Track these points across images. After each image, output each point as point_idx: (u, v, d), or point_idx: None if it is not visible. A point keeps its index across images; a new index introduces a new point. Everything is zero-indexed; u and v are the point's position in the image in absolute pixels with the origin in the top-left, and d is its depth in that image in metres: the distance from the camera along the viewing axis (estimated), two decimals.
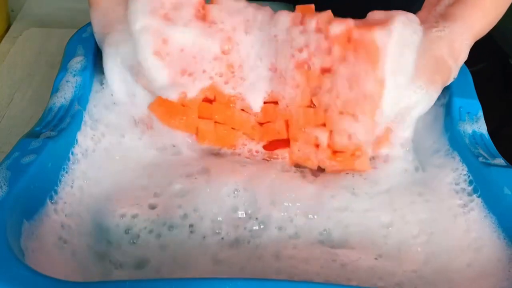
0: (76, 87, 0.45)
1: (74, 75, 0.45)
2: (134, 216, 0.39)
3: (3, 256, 0.31)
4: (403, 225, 0.40)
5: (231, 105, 0.44)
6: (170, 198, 0.40)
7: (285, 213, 0.40)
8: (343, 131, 0.41)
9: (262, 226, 0.39)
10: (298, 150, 0.43)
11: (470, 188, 0.42)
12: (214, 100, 0.44)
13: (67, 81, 0.45)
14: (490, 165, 0.41)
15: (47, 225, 0.37)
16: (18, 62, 0.61)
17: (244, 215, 0.40)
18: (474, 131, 0.45)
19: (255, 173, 0.42)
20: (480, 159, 0.42)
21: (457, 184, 0.42)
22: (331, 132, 0.42)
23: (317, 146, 0.43)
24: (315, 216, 0.40)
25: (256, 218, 0.39)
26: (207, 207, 0.39)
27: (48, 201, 0.38)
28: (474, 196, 0.41)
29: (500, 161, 0.42)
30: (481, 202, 0.41)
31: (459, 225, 0.40)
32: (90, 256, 0.37)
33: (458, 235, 0.40)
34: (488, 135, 0.45)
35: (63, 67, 0.46)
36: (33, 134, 0.40)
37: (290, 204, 0.40)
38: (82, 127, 0.43)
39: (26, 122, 0.53)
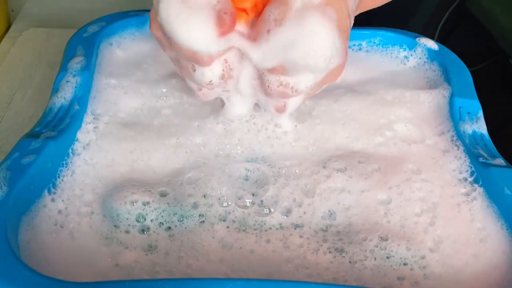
0: (76, 87, 0.45)
1: (74, 75, 0.45)
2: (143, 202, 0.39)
3: (3, 257, 0.31)
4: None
5: None
6: (181, 186, 0.40)
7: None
8: None
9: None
10: None
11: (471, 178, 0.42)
12: None
13: (67, 81, 0.45)
14: (490, 165, 0.41)
15: (48, 219, 0.37)
16: (18, 62, 0.61)
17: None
18: (474, 131, 0.45)
19: None
20: (480, 159, 0.42)
21: (460, 173, 0.43)
22: None
23: None
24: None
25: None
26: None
27: (48, 198, 0.38)
28: (476, 186, 0.41)
29: (500, 161, 0.42)
30: (484, 194, 0.41)
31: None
32: (94, 239, 0.37)
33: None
34: (488, 135, 0.45)
35: (63, 67, 0.46)
36: (33, 134, 0.40)
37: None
38: (83, 126, 0.43)
39: (26, 122, 0.53)
